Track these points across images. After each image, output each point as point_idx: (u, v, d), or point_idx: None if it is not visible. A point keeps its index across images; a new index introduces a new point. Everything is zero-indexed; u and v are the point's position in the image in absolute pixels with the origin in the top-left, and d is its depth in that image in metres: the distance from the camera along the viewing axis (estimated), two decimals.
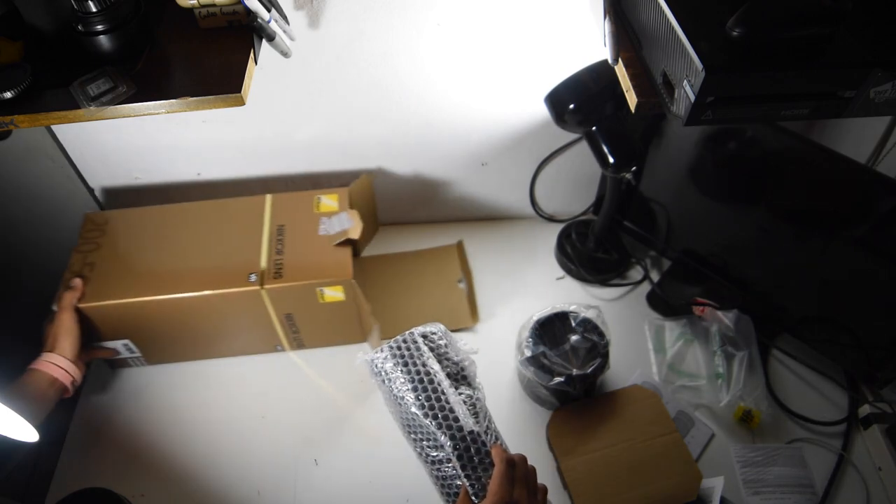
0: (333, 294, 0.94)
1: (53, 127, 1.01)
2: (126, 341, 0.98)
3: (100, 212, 1.01)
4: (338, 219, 0.98)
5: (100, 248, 0.97)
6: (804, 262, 0.96)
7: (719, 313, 1.03)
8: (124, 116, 0.65)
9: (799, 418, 0.98)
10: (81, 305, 0.90)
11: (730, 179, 0.99)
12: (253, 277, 0.92)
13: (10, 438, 0.76)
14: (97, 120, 0.65)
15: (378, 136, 1.06)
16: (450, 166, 1.13)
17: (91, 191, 1.13)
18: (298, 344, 1.05)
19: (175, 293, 0.91)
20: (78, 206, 1.14)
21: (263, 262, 0.94)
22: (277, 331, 1.00)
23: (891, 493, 0.90)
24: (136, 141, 1.04)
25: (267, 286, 0.91)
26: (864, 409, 0.97)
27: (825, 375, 1.03)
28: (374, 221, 1.22)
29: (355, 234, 0.95)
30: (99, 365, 1.04)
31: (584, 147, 0.96)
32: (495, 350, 1.04)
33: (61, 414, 0.98)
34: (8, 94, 0.63)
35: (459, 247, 1.21)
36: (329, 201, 1.02)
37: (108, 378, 1.03)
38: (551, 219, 1.25)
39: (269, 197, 1.02)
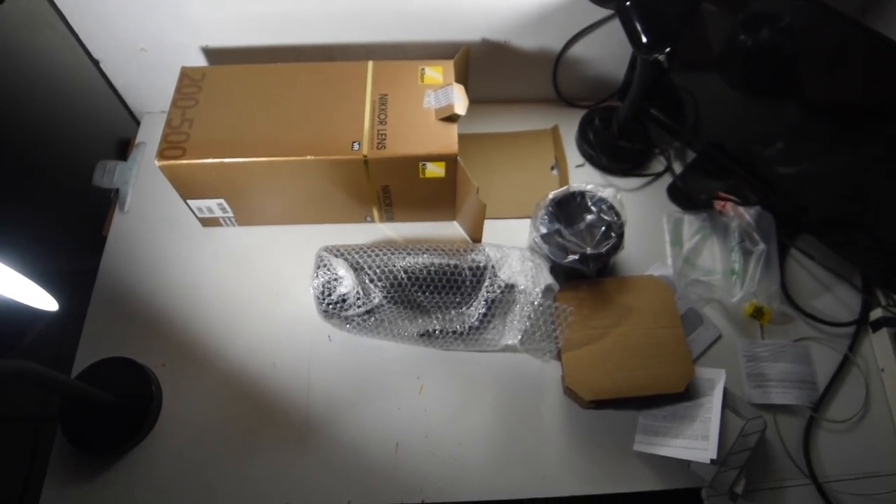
0: (435, 170, 0.92)
1: None
2: (221, 200, 0.98)
3: (196, 67, 0.98)
4: (444, 92, 0.93)
5: (197, 105, 0.93)
6: (836, 160, 0.91)
7: (741, 209, 1.00)
8: None
9: (810, 318, 0.98)
10: (182, 162, 0.88)
11: (767, 69, 0.92)
12: (356, 146, 0.89)
13: (29, 307, 0.78)
14: None
15: (395, 6, 0.99)
16: (469, 42, 1.06)
17: (96, 62, 1.08)
18: (389, 217, 1.04)
19: (277, 156, 0.89)
20: (81, 77, 1.10)
21: (366, 131, 0.91)
22: (371, 202, 1.00)
23: (889, 393, 0.92)
24: (138, 7, 0.98)
25: (370, 156, 0.89)
26: (876, 313, 0.96)
27: (841, 277, 1.01)
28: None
29: (461, 109, 0.91)
30: (121, 237, 1.05)
31: (614, 26, 0.89)
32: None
33: (84, 286, 1.00)
34: None
35: (554, 131, 1.16)
36: (433, 73, 0.97)
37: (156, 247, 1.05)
38: (574, 103, 1.19)
39: (370, 63, 0.98)
